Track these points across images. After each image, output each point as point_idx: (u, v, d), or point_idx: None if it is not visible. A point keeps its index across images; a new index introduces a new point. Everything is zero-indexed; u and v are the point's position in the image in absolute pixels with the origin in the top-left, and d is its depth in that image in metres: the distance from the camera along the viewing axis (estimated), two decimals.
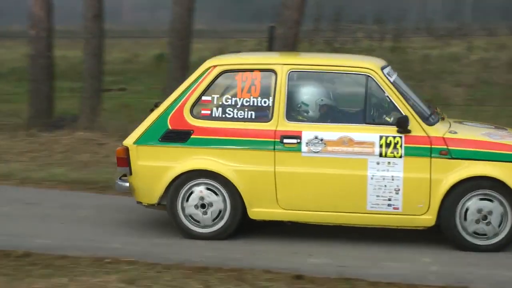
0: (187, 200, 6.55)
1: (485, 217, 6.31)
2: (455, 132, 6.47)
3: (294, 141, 6.40)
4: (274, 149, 6.41)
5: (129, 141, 6.67)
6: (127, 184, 6.72)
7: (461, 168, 6.27)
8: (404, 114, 6.33)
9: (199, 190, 6.54)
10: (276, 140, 6.41)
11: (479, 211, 6.30)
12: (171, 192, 6.56)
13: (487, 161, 6.30)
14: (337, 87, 6.74)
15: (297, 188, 6.42)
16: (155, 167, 6.56)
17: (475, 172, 6.27)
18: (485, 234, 6.35)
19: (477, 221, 6.32)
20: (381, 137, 6.32)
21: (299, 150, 6.40)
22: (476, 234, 6.36)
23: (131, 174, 6.65)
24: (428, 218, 6.34)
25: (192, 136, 6.52)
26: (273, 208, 6.48)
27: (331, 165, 6.37)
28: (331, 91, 6.68)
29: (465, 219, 6.32)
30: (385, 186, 6.32)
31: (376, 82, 6.42)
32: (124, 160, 6.63)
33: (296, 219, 6.55)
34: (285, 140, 6.41)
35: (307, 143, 6.39)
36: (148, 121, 6.67)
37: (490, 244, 6.35)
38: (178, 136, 6.55)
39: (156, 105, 6.88)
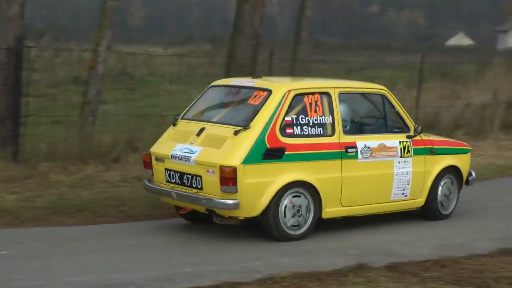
0: (285, 216, 7.64)
1: (449, 193, 8.93)
2: (429, 135, 8.87)
3: (354, 150, 8.04)
4: (341, 158, 7.94)
5: (235, 162, 7.36)
6: (232, 202, 7.36)
7: (441, 161, 8.76)
8: (408, 124, 8.49)
9: (289, 201, 7.66)
10: (342, 150, 7.96)
11: (446, 192, 8.90)
12: (273, 204, 7.54)
13: (453, 155, 8.94)
14: (365, 104, 8.67)
15: (354, 188, 8.03)
16: (259, 183, 7.47)
17: (449, 163, 8.83)
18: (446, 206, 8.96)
19: (447, 197, 8.90)
20: (400, 142, 8.41)
21: (356, 157, 8.05)
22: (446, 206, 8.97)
23: (236, 192, 7.33)
24: (421, 201, 8.71)
25: (286, 153, 7.60)
26: (338, 207, 8.01)
27: (374, 167, 8.18)
28: (363, 108, 8.66)
29: (440, 198, 8.87)
30: (402, 179, 8.42)
31: (389, 100, 8.48)
32: (231, 180, 7.31)
33: (349, 213, 8.16)
34: (349, 150, 7.99)
35: (360, 151, 8.07)
36: (247, 142, 7.46)
37: (449, 213, 9.00)
38: (276, 153, 7.56)
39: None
